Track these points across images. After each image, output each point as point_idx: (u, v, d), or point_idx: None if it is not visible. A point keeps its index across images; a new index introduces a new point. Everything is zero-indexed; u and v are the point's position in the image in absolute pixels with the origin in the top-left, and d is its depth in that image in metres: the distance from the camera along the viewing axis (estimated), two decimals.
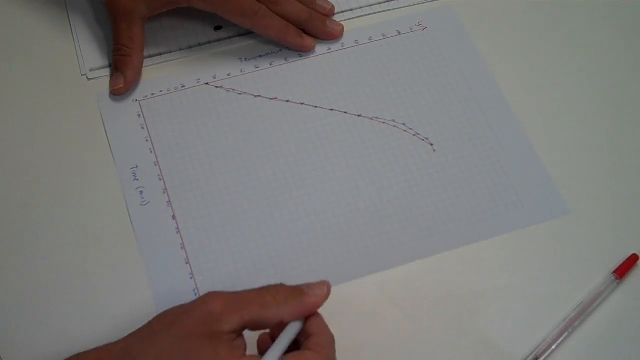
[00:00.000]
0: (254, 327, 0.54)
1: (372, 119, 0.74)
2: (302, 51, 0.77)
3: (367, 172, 0.70)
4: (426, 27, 0.79)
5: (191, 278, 0.66)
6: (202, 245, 0.67)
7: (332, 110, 0.74)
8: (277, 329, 0.55)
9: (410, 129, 0.73)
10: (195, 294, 0.65)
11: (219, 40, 0.79)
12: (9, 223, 0.68)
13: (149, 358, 0.53)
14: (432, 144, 0.72)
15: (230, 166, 0.71)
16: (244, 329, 0.54)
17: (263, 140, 0.72)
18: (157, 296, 0.65)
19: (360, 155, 0.71)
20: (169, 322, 0.54)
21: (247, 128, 0.73)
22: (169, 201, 0.69)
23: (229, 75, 0.76)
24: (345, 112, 0.74)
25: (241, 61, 0.77)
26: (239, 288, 0.56)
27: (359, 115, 0.74)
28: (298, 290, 0.56)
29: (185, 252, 0.67)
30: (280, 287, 0.56)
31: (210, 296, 0.54)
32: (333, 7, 0.79)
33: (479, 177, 0.70)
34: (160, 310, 0.56)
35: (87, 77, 0.76)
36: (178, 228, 0.68)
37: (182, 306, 0.55)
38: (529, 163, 0.71)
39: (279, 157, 0.71)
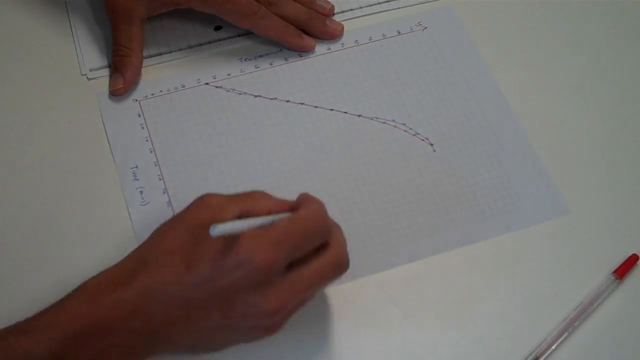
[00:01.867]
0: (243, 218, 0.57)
1: (372, 119, 0.74)
2: (302, 51, 0.77)
3: (367, 172, 0.70)
4: (426, 27, 0.79)
5: None
6: None
7: (332, 110, 0.74)
8: None
9: (410, 129, 0.73)
10: None
11: (219, 40, 0.79)
12: (8, 223, 0.68)
13: (160, 255, 0.55)
14: (432, 144, 0.72)
15: (230, 166, 0.71)
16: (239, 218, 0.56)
17: (263, 140, 0.72)
18: None
19: (360, 156, 0.71)
20: (173, 223, 0.57)
21: (247, 128, 0.73)
22: (169, 201, 0.69)
23: (229, 75, 0.76)
24: (345, 112, 0.74)
25: (241, 61, 0.77)
26: None
27: (359, 115, 0.74)
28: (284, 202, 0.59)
29: None
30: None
31: (205, 195, 0.58)
32: (333, 7, 0.80)
33: (479, 177, 0.70)
34: None
35: (87, 77, 0.76)
36: None
37: (179, 212, 0.58)
38: (529, 163, 0.71)
39: (279, 157, 0.71)
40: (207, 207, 0.57)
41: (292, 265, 0.56)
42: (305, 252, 0.56)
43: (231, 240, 0.54)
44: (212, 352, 0.60)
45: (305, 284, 0.56)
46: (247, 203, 0.57)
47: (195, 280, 0.54)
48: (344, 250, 0.59)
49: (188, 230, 0.56)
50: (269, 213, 0.57)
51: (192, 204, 0.58)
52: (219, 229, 0.52)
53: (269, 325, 0.57)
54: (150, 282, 0.54)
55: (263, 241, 0.54)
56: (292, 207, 0.58)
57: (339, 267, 0.58)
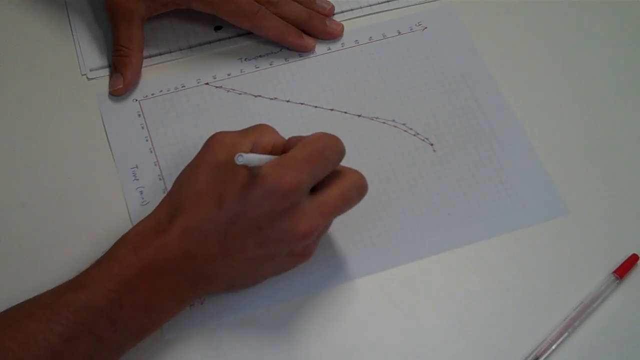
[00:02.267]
0: (255, 150, 0.60)
1: (372, 119, 0.74)
2: (302, 51, 0.77)
3: (367, 172, 0.70)
4: (426, 27, 0.79)
5: None
6: None
7: (332, 110, 0.74)
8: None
9: (410, 129, 0.73)
10: None
11: (219, 40, 0.79)
12: (8, 223, 0.68)
13: (191, 198, 0.58)
14: (432, 144, 0.72)
15: None
16: (252, 152, 0.60)
17: None
18: None
19: (360, 156, 0.71)
20: (194, 166, 0.60)
21: None
22: None
23: (229, 75, 0.76)
24: (345, 112, 0.74)
25: (241, 61, 0.77)
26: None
27: (359, 115, 0.74)
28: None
29: None
30: None
31: (217, 134, 0.61)
32: (333, 7, 0.80)
33: (479, 177, 0.70)
34: None
35: (87, 77, 0.76)
36: None
37: (197, 154, 0.61)
38: (529, 163, 0.71)
39: None
40: (223, 144, 0.60)
41: (316, 190, 0.59)
42: (326, 173, 0.60)
43: (253, 173, 0.57)
44: (252, 286, 0.63)
45: (332, 205, 0.59)
46: (256, 135, 0.61)
47: (228, 216, 0.57)
48: (361, 174, 0.61)
49: (211, 170, 0.59)
50: (274, 145, 0.61)
51: (206, 144, 0.61)
52: (245, 158, 0.54)
53: (302, 250, 0.61)
54: (187, 224, 0.58)
55: (285, 168, 0.58)
56: (287, 145, 0.62)
57: (361, 187, 0.61)
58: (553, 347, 0.62)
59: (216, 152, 0.60)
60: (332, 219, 0.61)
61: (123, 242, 0.59)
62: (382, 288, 0.65)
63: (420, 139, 0.72)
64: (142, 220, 0.60)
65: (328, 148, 0.60)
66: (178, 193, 0.60)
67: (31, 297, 0.58)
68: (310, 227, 0.58)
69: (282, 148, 0.62)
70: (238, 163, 0.54)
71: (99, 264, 0.58)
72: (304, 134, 0.72)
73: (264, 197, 0.57)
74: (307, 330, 0.63)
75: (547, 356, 0.61)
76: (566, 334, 0.62)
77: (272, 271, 0.63)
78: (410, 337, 0.63)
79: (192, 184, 0.59)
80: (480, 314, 0.64)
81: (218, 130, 0.61)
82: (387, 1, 0.81)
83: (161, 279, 0.58)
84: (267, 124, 0.63)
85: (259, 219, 0.57)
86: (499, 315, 0.64)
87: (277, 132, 0.63)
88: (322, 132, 0.61)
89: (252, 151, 0.60)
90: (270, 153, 0.61)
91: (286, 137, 0.72)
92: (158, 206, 0.61)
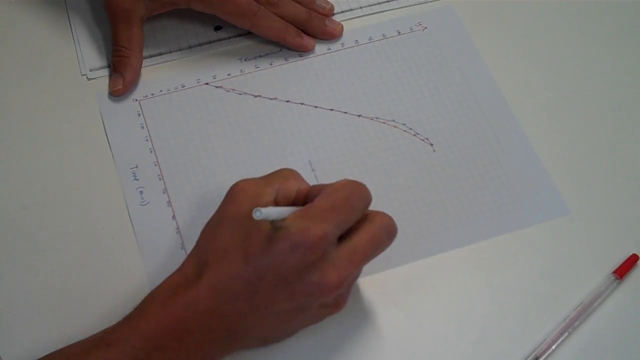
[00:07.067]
0: (278, 198, 0.59)
1: (372, 119, 0.74)
2: (302, 51, 0.77)
3: (367, 172, 0.70)
4: (426, 27, 0.79)
5: None
6: None
7: (332, 110, 0.74)
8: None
9: (410, 129, 0.73)
10: None
11: (219, 40, 0.79)
12: (8, 223, 0.68)
13: (218, 253, 0.56)
14: (432, 144, 0.72)
15: (230, 166, 0.71)
16: (276, 200, 0.58)
17: (263, 140, 0.72)
18: None
19: (360, 156, 0.71)
20: (219, 220, 0.58)
21: (247, 128, 0.73)
22: (169, 201, 0.69)
23: (229, 75, 0.76)
24: (345, 112, 0.74)
25: (241, 61, 0.77)
26: None
27: (359, 115, 0.74)
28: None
29: (185, 252, 0.67)
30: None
31: (239, 183, 0.59)
32: (332, 7, 0.80)
33: (478, 177, 0.70)
34: None
35: (87, 77, 0.76)
36: (178, 228, 0.68)
37: (220, 206, 0.59)
38: (529, 163, 0.71)
39: (279, 157, 0.71)
40: (246, 195, 0.58)
41: (343, 238, 0.57)
42: (352, 221, 0.57)
43: (278, 226, 0.55)
44: (284, 340, 0.61)
45: (361, 253, 0.57)
46: (280, 181, 0.59)
47: (255, 272, 0.55)
48: (389, 216, 0.59)
49: (235, 223, 0.57)
50: (298, 191, 0.59)
51: (230, 195, 0.59)
52: (263, 213, 0.53)
53: (334, 300, 0.59)
54: (215, 281, 0.56)
55: (310, 219, 0.55)
56: (310, 193, 0.60)
57: (390, 230, 0.59)
58: (553, 347, 0.62)
59: (239, 203, 0.58)
60: (362, 266, 0.59)
61: (151, 299, 0.57)
62: (382, 288, 0.65)
63: (420, 139, 0.72)
64: (170, 276, 0.58)
65: (353, 196, 0.58)
66: (204, 247, 0.58)
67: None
68: (340, 277, 0.56)
69: (306, 194, 0.60)
70: (255, 218, 0.52)
71: (128, 320, 0.57)
72: (304, 134, 0.72)
73: (290, 251, 0.54)
74: (306, 331, 0.63)
75: (547, 356, 0.61)
76: (566, 334, 0.62)
77: (305, 323, 0.61)
78: (410, 337, 0.63)
79: (218, 238, 0.57)
80: (480, 314, 0.64)
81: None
82: (387, 1, 0.81)
83: (190, 336, 0.55)
84: (292, 168, 0.62)
85: (286, 273, 0.55)
86: (499, 315, 0.64)
87: (301, 177, 0.61)
88: (346, 180, 0.59)
89: (275, 199, 0.58)
90: (294, 199, 0.59)
91: (286, 138, 0.72)
92: (185, 261, 0.59)
